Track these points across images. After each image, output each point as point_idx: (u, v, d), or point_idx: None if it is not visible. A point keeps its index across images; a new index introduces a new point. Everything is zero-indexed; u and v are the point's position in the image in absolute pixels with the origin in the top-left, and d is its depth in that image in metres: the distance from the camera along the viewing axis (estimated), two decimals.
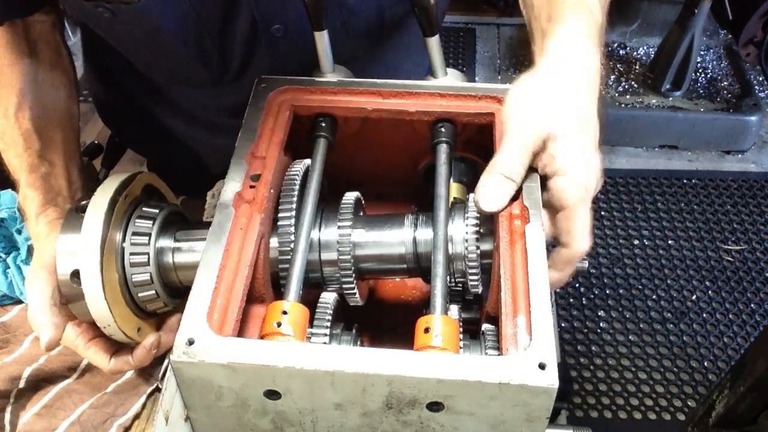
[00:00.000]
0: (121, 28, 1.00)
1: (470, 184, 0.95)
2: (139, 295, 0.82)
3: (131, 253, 0.80)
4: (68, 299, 0.80)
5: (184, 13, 0.98)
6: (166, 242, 0.82)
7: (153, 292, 0.82)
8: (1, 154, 0.98)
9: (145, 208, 0.83)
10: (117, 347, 0.87)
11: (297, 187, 0.82)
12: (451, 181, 0.92)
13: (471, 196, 0.80)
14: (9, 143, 0.97)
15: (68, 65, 1.09)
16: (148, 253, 0.81)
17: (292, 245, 0.79)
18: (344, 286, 0.81)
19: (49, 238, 0.86)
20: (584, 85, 0.80)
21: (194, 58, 1.06)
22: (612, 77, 3.06)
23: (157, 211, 0.83)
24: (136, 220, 0.82)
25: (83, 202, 0.81)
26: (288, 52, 1.07)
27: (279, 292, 0.81)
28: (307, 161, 0.87)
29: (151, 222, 0.82)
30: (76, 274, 0.77)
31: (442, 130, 0.89)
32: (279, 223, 0.80)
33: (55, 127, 1.01)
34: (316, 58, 0.95)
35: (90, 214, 0.78)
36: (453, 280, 0.81)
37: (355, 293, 0.82)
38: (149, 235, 0.81)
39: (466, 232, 0.78)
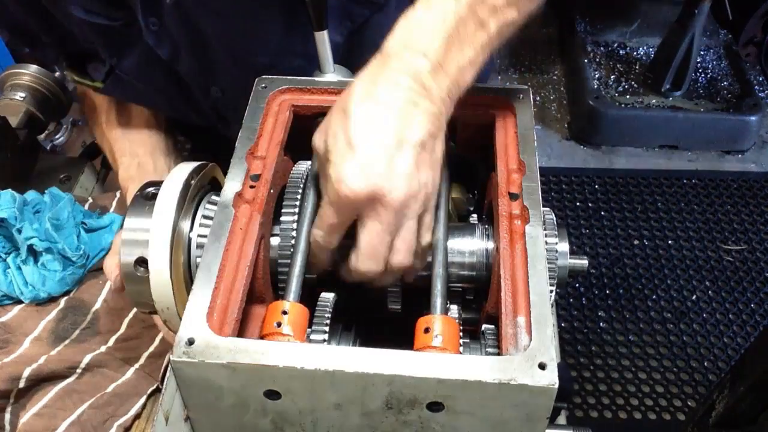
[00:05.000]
0: None
1: (470, 183, 0.95)
2: None
3: (199, 235, 0.79)
4: (127, 283, 0.79)
5: (140, 92, 1.16)
6: None
7: None
8: (111, 166, 1.25)
9: (214, 197, 0.83)
10: None
11: (301, 186, 0.82)
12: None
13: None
14: (109, 153, 1.25)
15: None
16: None
17: (292, 244, 0.79)
18: (390, 290, 0.82)
19: None
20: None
21: (174, 115, 1.26)
22: (612, 77, 3.06)
23: None
24: (207, 205, 0.82)
25: (148, 189, 0.81)
26: (242, 101, 1.12)
27: (278, 292, 0.81)
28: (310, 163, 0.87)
29: None
30: (140, 261, 0.76)
31: None
32: (282, 224, 0.80)
33: (141, 129, 1.23)
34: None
35: (163, 196, 0.78)
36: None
37: (398, 299, 0.82)
38: None
39: None
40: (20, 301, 1.12)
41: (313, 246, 0.77)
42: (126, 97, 1.19)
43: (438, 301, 0.73)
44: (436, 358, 0.64)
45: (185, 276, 0.79)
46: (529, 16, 0.76)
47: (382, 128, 0.68)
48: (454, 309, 0.79)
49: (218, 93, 1.18)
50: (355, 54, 1.04)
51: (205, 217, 0.81)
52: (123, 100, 1.23)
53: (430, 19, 0.70)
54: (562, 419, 1.01)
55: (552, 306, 0.71)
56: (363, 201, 0.68)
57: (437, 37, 0.69)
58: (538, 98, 3.23)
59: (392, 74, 0.69)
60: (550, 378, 0.61)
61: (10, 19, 1.14)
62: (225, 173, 0.84)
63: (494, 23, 0.71)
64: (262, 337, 0.70)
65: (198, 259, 0.78)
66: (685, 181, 2.85)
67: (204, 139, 1.41)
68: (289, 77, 0.93)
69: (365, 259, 0.72)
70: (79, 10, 1.01)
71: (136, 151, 1.19)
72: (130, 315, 1.12)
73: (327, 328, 0.73)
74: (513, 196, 0.78)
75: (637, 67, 3.10)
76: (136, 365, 1.05)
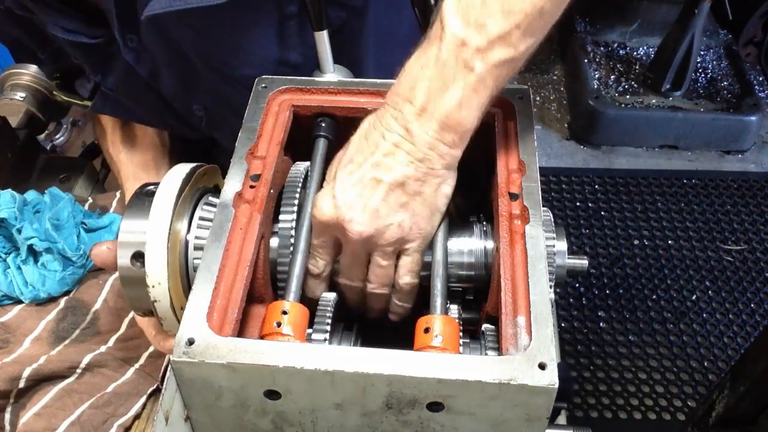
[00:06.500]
0: None
1: (470, 183, 0.95)
2: None
3: (196, 237, 0.79)
4: (124, 283, 0.79)
5: (129, 108, 1.17)
6: None
7: None
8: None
9: (211, 198, 0.83)
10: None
11: (299, 186, 0.82)
12: None
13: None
14: (117, 177, 1.26)
15: None
16: None
17: (291, 246, 0.79)
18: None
19: None
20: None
21: (167, 129, 1.26)
22: (612, 77, 3.06)
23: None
24: (204, 206, 0.82)
25: (148, 188, 0.81)
26: (227, 116, 1.13)
27: (278, 292, 0.81)
28: (308, 163, 0.87)
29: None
30: (137, 256, 0.76)
31: None
32: (280, 224, 0.80)
33: (145, 150, 1.24)
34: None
35: (159, 196, 0.77)
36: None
37: None
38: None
39: None
40: (20, 301, 1.12)
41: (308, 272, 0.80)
42: (115, 113, 1.19)
43: (438, 301, 0.73)
44: (436, 358, 0.64)
45: (180, 273, 0.79)
46: (529, 51, 0.74)
47: (362, 166, 0.73)
48: (454, 309, 0.79)
49: (201, 111, 1.17)
50: (332, 56, 1.04)
51: (202, 218, 0.81)
52: (115, 117, 1.22)
53: (415, 66, 0.73)
54: (562, 419, 1.01)
55: (552, 306, 0.71)
56: (330, 226, 0.74)
57: (419, 83, 0.72)
58: (538, 98, 3.23)
59: (386, 119, 0.74)
60: (550, 378, 0.61)
61: (7, 35, 1.14)
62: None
63: (481, 64, 0.70)
64: (262, 337, 0.70)
65: (196, 262, 0.79)
66: (685, 181, 2.85)
67: (204, 150, 1.40)
68: (289, 77, 0.93)
69: (342, 276, 0.80)
70: (57, 29, 1.00)
71: (139, 175, 1.20)
72: (130, 315, 1.12)
73: (328, 328, 0.73)
74: (513, 196, 0.78)
75: (637, 67, 3.09)
76: (136, 365, 1.05)
